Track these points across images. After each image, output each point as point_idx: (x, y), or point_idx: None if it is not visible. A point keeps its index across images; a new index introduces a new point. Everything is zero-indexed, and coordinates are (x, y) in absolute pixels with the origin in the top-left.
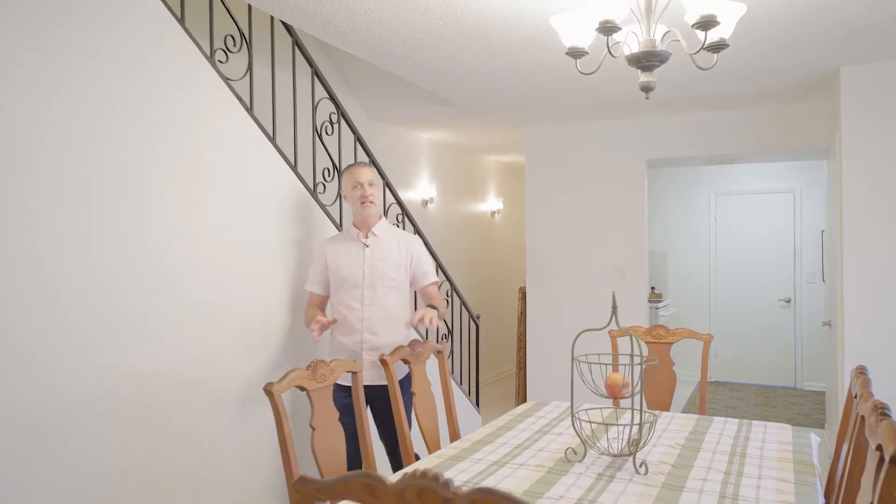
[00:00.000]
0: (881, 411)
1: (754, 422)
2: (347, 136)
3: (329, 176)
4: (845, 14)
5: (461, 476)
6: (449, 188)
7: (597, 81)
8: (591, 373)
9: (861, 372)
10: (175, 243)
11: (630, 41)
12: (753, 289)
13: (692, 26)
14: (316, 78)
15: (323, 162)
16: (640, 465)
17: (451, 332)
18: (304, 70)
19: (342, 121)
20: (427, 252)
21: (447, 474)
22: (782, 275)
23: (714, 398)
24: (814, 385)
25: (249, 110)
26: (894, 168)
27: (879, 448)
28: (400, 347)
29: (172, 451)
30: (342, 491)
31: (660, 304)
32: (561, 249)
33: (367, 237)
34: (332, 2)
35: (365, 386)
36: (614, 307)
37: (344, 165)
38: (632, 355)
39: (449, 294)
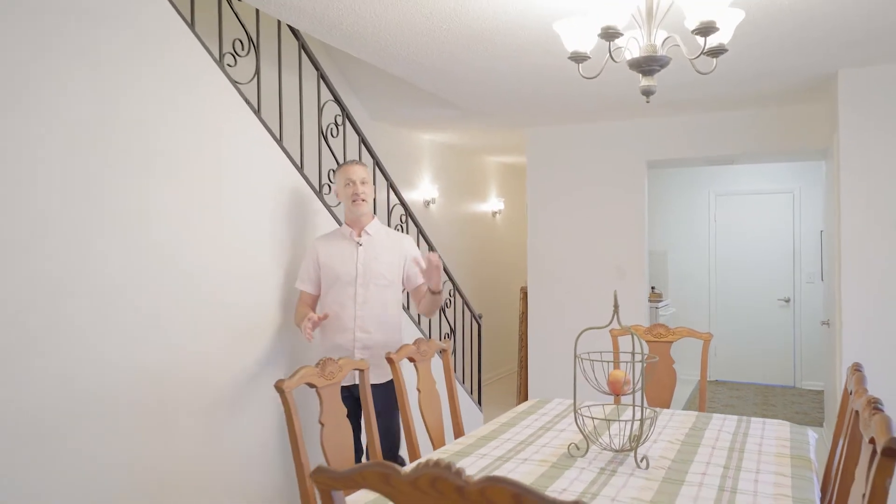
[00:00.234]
0: (874, 406)
1: (753, 418)
2: (352, 137)
3: (334, 177)
4: (844, 19)
5: (467, 471)
6: (450, 189)
7: (598, 84)
8: (593, 370)
9: (856, 369)
10: (181, 243)
11: (631, 46)
12: (753, 288)
13: (692, 32)
14: (321, 81)
15: (328, 163)
16: (642, 460)
17: (453, 331)
18: (309, 73)
19: (347, 123)
20: (419, 252)
21: None
22: (781, 275)
23: (714, 397)
24: (813, 384)
25: (257, 112)
26: (892, 169)
27: (872, 441)
28: (405, 346)
29: (175, 450)
30: (358, 480)
31: (660, 304)
32: (562, 249)
33: (360, 235)
34: (338, 7)
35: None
36: (616, 306)
37: None
38: (633, 353)
39: (451, 294)
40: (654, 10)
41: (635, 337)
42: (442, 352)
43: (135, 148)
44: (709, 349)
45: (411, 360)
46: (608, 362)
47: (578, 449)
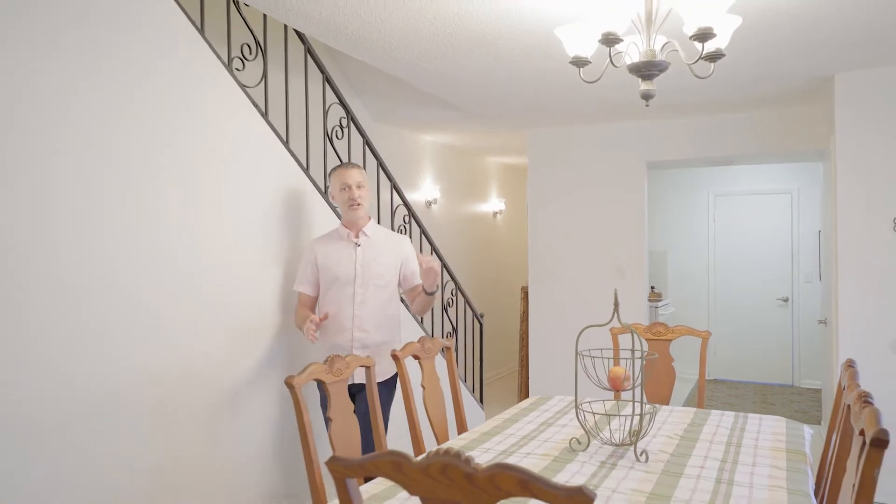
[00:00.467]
0: (864, 399)
1: (750, 415)
2: (356, 139)
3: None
4: (840, 24)
5: None
6: (452, 189)
7: (599, 87)
8: (594, 367)
9: (849, 365)
10: (189, 244)
11: (631, 51)
12: (752, 288)
13: (690, 38)
14: (327, 83)
15: (334, 165)
16: (641, 454)
17: (455, 330)
18: (315, 76)
19: (351, 125)
20: (415, 253)
21: None
22: (780, 274)
23: (713, 395)
24: (811, 383)
25: (264, 115)
26: (888, 170)
27: (862, 433)
28: (410, 343)
29: (175, 449)
30: (371, 468)
31: (660, 304)
32: (562, 249)
33: (357, 237)
34: (344, 12)
35: (357, 384)
36: (616, 303)
37: None
38: (633, 350)
39: (453, 293)
40: (654, 15)
41: (635, 334)
42: (445, 349)
43: (143, 149)
44: (708, 348)
45: (416, 357)
46: (608, 359)
47: (580, 443)
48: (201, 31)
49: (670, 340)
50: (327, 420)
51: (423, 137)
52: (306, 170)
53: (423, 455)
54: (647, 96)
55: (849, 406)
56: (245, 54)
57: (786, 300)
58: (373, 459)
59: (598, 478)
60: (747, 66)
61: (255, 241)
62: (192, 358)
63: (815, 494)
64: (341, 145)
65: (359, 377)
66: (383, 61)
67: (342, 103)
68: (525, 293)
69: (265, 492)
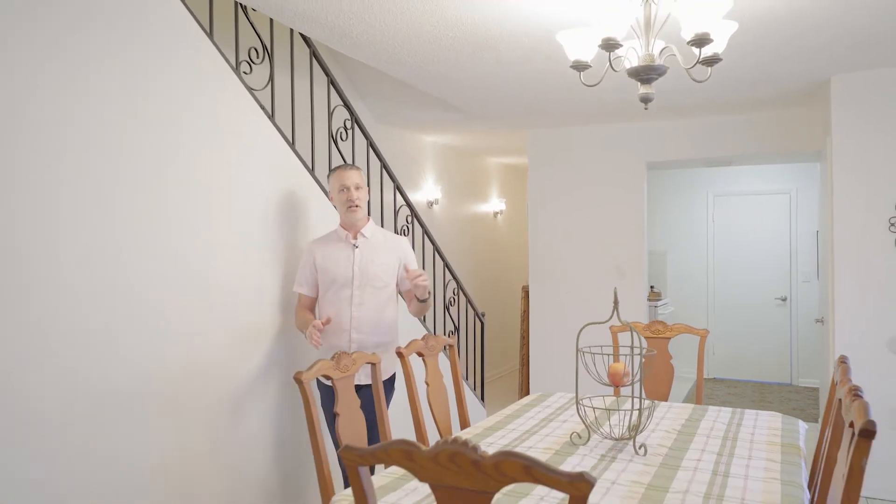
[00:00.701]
0: (854, 393)
1: (747, 410)
2: (360, 141)
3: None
4: (836, 28)
5: None
6: (453, 190)
7: (599, 89)
8: (594, 364)
9: (842, 361)
10: (197, 244)
11: (630, 56)
12: (751, 288)
13: (687, 43)
14: (332, 86)
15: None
16: (640, 448)
17: (457, 328)
18: (320, 79)
19: (356, 127)
20: (413, 254)
21: None
22: (779, 274)
23: (711, 394)
24: (809, 381)
25: (271, 117)
26: (883, 170)
27: (852, 424)
28: (414, 341)
29: (176, 448)
30: (383, 457)
31: (659, 303)
32: (562, 249)
33: (355, 238)
34: (349, 16)
35: (358, 385)
36: (616, 301)
37: None
38: (632, 346)
39: (455, 293)
40: (652, 21)
41: (634, 331)
42: (448, 347)
43: (152, 150)
44: (706, 347)
45: (420, 354)
46: (608, 356)
47: (580, 437)
48: (210, 35)
49: (669, 338)
50: (335, 415)
51: (424, 138)
52: (312, 171)
53: (433, 444)
54: (645, 100)
55: (840, 400)
56: (252, 58)
57: (784, 300)
58: (384, 448)
59: (598, 470)
60: (745, 69)
61: (262, 241)
62: (198, 357)
63: (809, 486)
64: (345, 147)
65: (360, 378)
66: (387, 64)
67: (346, 105)
68: (525, 292)
69: (265, 489)
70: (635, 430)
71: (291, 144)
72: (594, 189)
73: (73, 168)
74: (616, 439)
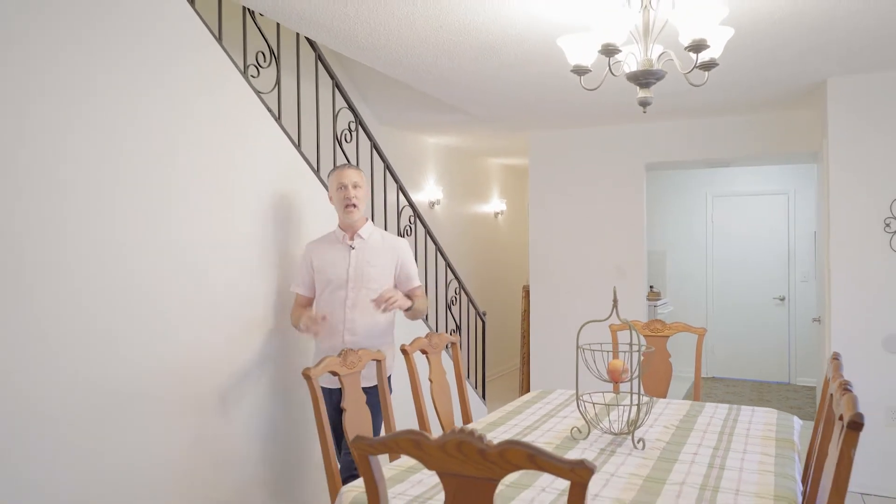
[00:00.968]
0: (844, 387)
1: (743, 406)
2: (365, 142)
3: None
4: (832, 32)
5: None
6: (455, 190)
7: (598, 92)
8: (594, 361)
9: (835, 358)
10: (202, 245)
11: (629, 60)
12: (749, 287)
13: (685, 49)
14: (336, 89)
15: None
16: (638, 442)
17: (458, 327)
18: (325, 82)
19: (360, 129)
20: (412, 256)
21: None
22: (777, 274)
23: (710, 393)
24: (807, 380)
25: (278, 119)
26: (879, 171)
27: (842, 418)
28: (418, 339)
29: (178, 443)
30: (392, 446)
31: (658, 303)
32: (562, 249)
33: (352, 239)
34: (354, 21)
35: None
36: (615, 300)
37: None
38: (631, 344)
39: (457, 292)
40: (651, 26)
41: (633, 329)
42: (451, 345)
43: (161, 151)
44: (705, 346)
45: (423, 352)
46: (608, 352)
47: (581, 432)
48: (219, 39)
49: (667, 337)
50: (341, 410)
51: (426, 140)
52: (317, 172)
53: (441, 434)
54: (644, 103)
55: (832, 395)
56: (259, 61)
57: (782, 299)
58: (394, 437)
59: (597, 463)
60: (743, 72)
61: (268, 242)
62: (198, 357)
63: (802, 480)
64: (350, 148)
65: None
66: (391, 67)
67: (351, 108)
68: (526, 292)
69: (268, 487)
70: (634, 424)
71: (297, 146)
72: (594, 189)
73: (77, 169)
74: (615, 434)
